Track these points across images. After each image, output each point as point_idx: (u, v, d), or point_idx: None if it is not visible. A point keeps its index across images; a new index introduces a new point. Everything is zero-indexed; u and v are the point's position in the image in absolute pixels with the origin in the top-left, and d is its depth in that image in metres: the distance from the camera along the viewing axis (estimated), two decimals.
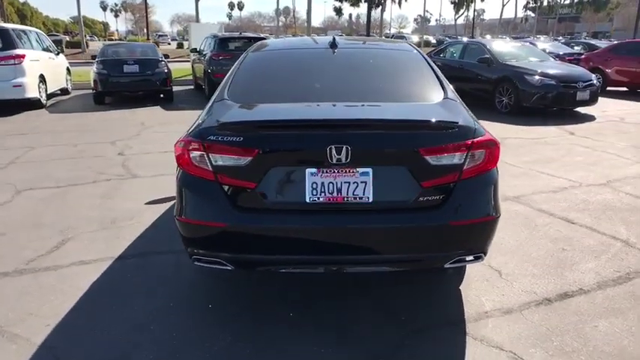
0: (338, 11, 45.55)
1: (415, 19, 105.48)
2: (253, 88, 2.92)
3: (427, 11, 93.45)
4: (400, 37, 41.61)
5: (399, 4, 43.13)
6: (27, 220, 4.09)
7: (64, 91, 12.51)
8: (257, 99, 2.77)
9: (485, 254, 2.50)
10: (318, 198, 2.32)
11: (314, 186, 2.32)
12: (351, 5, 43.77)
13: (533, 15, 63.43)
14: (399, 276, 3.06)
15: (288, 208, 2.36)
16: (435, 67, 3.17)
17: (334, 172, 2.31)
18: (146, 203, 4.50)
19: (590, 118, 9.18)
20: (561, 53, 15.23)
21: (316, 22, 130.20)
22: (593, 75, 9.70)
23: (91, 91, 11.39)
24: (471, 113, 2.64)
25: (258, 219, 2.35)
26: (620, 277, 3.06)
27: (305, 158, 2.32)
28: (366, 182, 2.31)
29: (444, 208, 2.35)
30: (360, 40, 4.36)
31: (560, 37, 39.55)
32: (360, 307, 2.75)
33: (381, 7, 44.07)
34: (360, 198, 2.32)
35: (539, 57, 10.71)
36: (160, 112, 10.22)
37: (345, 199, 2.32)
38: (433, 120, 2.37)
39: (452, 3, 46.99)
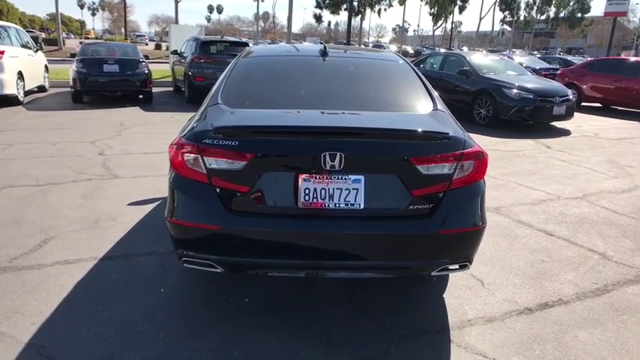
0: (318, 18, 45.83)
1: (393, 29, 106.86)
2: (246, 94, 2.94)
3: (405, 21, 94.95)
4: (378, 46, 42.11)
5: (379, 13, 43.70)
6: (6, 218, 3.99)
7: (41, 89, 12.25)
8: (250, 104, 2.79)
9: (470, 263, 2.57)
10: (310, 203, 2.35)
11: (306, 191, 2.35)
12: (331, 13, 44.16)
13: (509, 29, 65.12)
14: (383, 283, 3.10)
15: (280, 212, 2.38)
16: (423, 78, 3.24)
17: (327, 178, 2.34)
18: (129, 204, 4.45)
19: (565, 132, 9.47)
20: (538, 68, 15.68)
21: (295, 28, 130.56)
22: (570, 90, 10.02)
23: (69, 89, 11.17)
24: (459, 125, 2.71)
25: (250, 222, 2.36)
26: (599, 289, 3.17)
27: (299, 164, 2.35)
28: (357, 189, 2.35)
29: (433, 217, 2.40)
30: (349, 49, 4.42)
31: (536, 52, 40.67)
32: (346, 314, 2.77)
33: (360, 16, 44.58)
34: (352, 205, 2.35)
35: (517, 71, 11.00)
36: (140, 113, 10.09)
37: (337, 205, 2.35)
38: (425, 130, 2.43)
39: (430, 14, 47.90)
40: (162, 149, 6.72)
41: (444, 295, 3.00)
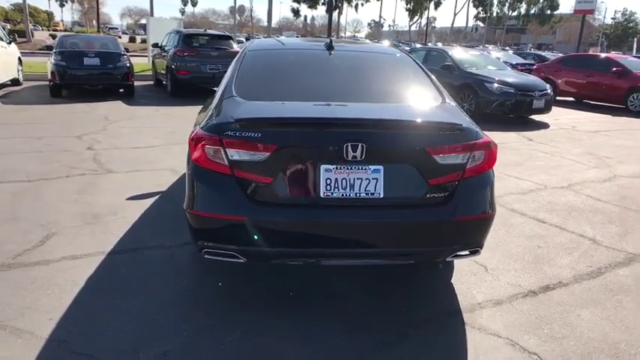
0: (296, 12, 45.59)
1: (369, 24, 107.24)
2: (260, 86, 2.96)
3: (381, 17, 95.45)
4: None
5: (356, 8, 43.77)
6: (1, 214, 3.91)
7: (15, 82, 11.86)
8: (265, 97, 2.82)
9: (481, 249, 2.68)
10: (332, 193, 2.41)
11: (328, 182, 2.41)
12: (309, 7, 43.97)
13: (482, 25, 66.23)
14: (393, 272, 3.19)
15: (302, 202, 2.43)
16: (428, 72, 3.34)
17: (348, 168, 2.41)
18: (127, 199, 4.42)
19: (544, 125, 9.77)
20: (514, 63, 16.06)
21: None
22: (548, 85, 10.33)
23: (46, 82, 10.88)
24: (468, 116, 2.82)
25: (273, 213, 2.41)
26: (593, 271, 3.34)
27: (321, 155, 2.40)
28: (377, 179, 2.43)
29: (448, 204, 2.50)
30: (353, 42, 4.47)
31: (507, 48, 41.50)
32: (362, 302, 2.85)
33: (338, 11, 44.60)
34: (372, 194, 2.43)
35: (497, 66, 11.27)
36: (123, 107, 9.92)
37: (358, 194, 2.42)
38: (441, 121, 2.52)
39: (407, 10, 48.32)
40: (153, 143, 6.67)
41: (452, 281, 3.11)
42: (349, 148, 2.35)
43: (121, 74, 10.91)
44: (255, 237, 2.44)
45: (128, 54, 11.70)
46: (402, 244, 2.53)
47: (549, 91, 9.95)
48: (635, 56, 15.31)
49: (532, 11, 56.38)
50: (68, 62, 10.28)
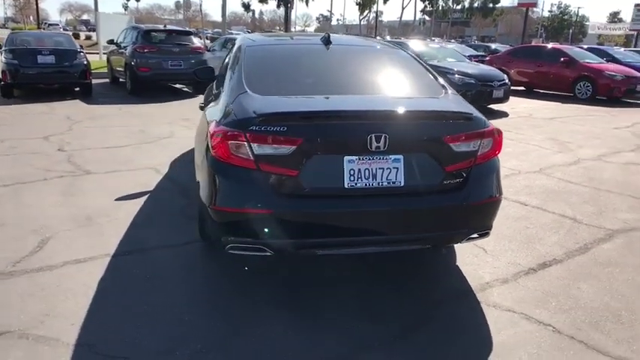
0: (246, 7, 45.04)
1: (317, 18, 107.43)
2: (270, 82, 2.97)
3: (329, 10, 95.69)
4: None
5: (307, 2, 43.80)
6: None
7: None
8: (279, 91, 2.84)
9: (490, 230, 2.84)
10: (356, 183, 2.48)
11: (351, 172, 2.47)
12: (260, 2, 43.55)
13: (428, 18, 67.94)
14: (400, 258, 3.31)
15: (327, 193, 2.49)
16: (426, 65, 3.46)
17: (370, 159, 2.48)
18: (116, 200, 4.30)
19: (503, 114, 10.24)
20: (467, 55, 16.62)
21: (218, 16, 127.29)
22: (505, 75, 10.82)
23: None
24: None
25: (300, 204, 2.45)
26: (581, 247, 3.60)
27: (345, 146, 2.47)
28: (397, 168, 2.52)
29: (463, 190, 2.63)
30: (347, 38, 4.49)
31: (452, 40, 42.83)
32: (378, 289, 2.95)
33: (289, 5, 44.44)
34: (393, 182, 2.52)
35: (456, 57, 11.67)
36: (84, 106, 9.52)
37: (380, 183, 2.50)
38: (455, 111, 2.65)
39: (357, 4, 48.87)
40: (124, 143, 6.47)
41: (457, 264, 3.26)
42: (373, 139, 2.42)
43: (78, 72, 10.45)
44: (283, 229, 2.47)
45: (85, 51, 11.21)
46: (422, 229, 2.64)
47: (507, 81, 10.42)
48: (579, 47, 16.23)
49: (475, 4, 58.49)
50: (20, 61, 9.74)
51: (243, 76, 2.97)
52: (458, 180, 2.63)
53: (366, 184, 2.49)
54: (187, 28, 14.48)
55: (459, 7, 59.39)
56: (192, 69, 11.30)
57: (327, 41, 3.48)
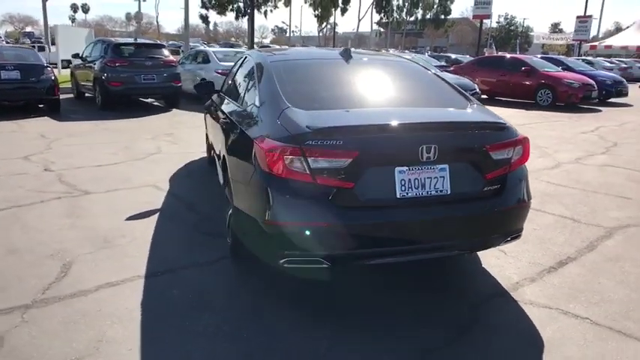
0: (204, 19, 44.50)
1: (272, 30, 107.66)
2: (308, 96, 3.02)
3: (283, 22, 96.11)
4: (265, 46, 42.17)
5: (265, 14, 43.76)
6: None
7: None
8: (320, 105, 2.90)
9: (522, 232, 3.00)
10: (407, 193, 2.58)
11: (402, 182, 2.57)
12: (218, 14, 43.20)
13: (382, 30, 69.58)
14: (429, 265, 3.42)
15: (381, 204, 2.57)
16: (443, 76, 3.62)
17: (419, 169, 2.59)
18: (127, 219, 4.20)
19: None
20: (434, 65, 17.24)
21: (171, 28, 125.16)
22: (475, 85, 11.31)
23: None
24: None
25: (356, 216, 2.51)
26: (588, 245, 3.84)
27: (397, 157, 2.56)
28: (444, 177, 2.64)
29: (502, 196, 2.78)
30: (363, 52, 4.57)
31: (406, 51, 44.11)
32: (419, 294, 3.05)
33: (248, 17, 44.35)
34: (441, 191, 2.63)
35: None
36: (55, 123, 9.17)
37: (429, 192, 2.61)
38: (493, 121, 2.81)
39: (315, 16, 49.49)
40: (113, 160, 6.30)
41: (483, 266, 3.41)
42: (424, 150, 2.53)
43: (46, 88, 10.08)
44: (340, 241, 2.53)
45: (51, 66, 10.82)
46: (467, 235, 2.76)
47: (478, 90, 10.90)
48: (542, 57, 17.16)
49: (428, 16, 60.51)
50: None
51: (280, 91, 3.01)
52: (496, 186, 2.78)
53: (416, 194, 2.59)
54: (158, 41, 14.21)
55: (412, 18, 61.23)
56: (165, 83, 11.36)
57: (348, 55, 3.59)
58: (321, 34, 59.23)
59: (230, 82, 4.47)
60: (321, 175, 2.47)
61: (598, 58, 25.29)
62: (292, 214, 2.52)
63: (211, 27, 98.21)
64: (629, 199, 5.10)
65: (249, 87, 3.57)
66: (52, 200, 4.67)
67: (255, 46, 45.85)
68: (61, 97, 12.53)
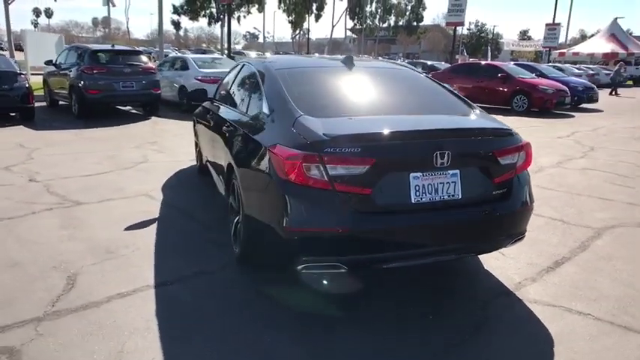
0: (176, 25, 44.22)
1: (244, 36, 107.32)
2: (318, 104, 3.08)
3: (255, 28, 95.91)
4: (238, 52, 41.94)
5: (238, 20, 43.86)
6: None
7: None
8: (332, 113, 2.95)
9: (525, 234, 3.12)
10: (421, 198, 2.66)
11: (417, 188, 2.65)
12: (190, 19, 43.01)
13: (354, 36, 70.36)
14: (433, 267, 3.51)
15: (397, 209, 2.65)
16: (442, 84, 3.74)
17: (432, 174, 2.68)
18: (126, 229, 4.15)
19: None
20: None
21: (140, 34, 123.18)
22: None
23: None
24: None
25: (374, 221, 2.58)
26: (579, 246, 4.01)
27: (412, 163, 2.65)
28: (455, 182, 2.74)
29: (509, 199, 2.90)
30: (361, 60, 4.65)
31: (380, 57, 44.78)
32: (428, 296, 3.13)
33: (220, 23, 44.20)
34: (453, 195, 2.73)
35: None
36: (32, 132, 8.94)
37: (442, 197, 2.70)
38: (500, 128, 2.92)
39: (289, 22, 49.70)
40: (101, 170, 6.21)
41: (485, 268, 3.53)
42: (438, 156, 2.63)
43: (20, 96, 9.81)
44: (359, 246, 2.59)
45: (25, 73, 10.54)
46: (479, 237, 2.87)
47: None
48: (516, 63, 17.69)
49: (400, 23, 61.64)
50: None
51: (289, 99, 3.05)
52: (503, 190, 2.90)
53: (429, 199, 2.68)
54: (135, 48, 14.02)
55: (385, 25, 62.20)
56: (144, 90, 11.22)
57: (350, 63, 3.67)
58: (295, 40, 59.42)
59: (228, 89, 4.48)
60: (339, 182, 2.53)
61: (567, 65, 26.21)
62: (311, 220, 2.57)
63: (181, 33, 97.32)
64: (611, 200, 5.34)
65: (253, 95, 3.60)
66: (44, 211, 4.57)
67: (218, 52, 45.65)
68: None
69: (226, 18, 25.00)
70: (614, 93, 21.65)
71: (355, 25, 59.41)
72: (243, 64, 4.37)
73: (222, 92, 4.76)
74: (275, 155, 2.68)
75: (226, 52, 22.63)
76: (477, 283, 3.36)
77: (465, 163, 2.77)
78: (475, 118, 3.19)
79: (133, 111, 12.29)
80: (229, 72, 4.98)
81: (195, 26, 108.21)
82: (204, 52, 46.41)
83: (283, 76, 3.42)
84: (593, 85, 16.38)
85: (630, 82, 29.72)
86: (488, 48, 52.83)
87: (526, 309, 2.96)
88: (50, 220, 4.35)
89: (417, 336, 2.66)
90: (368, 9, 57.40)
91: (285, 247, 2.67)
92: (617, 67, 22.08)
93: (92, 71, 10.49)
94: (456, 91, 3.65)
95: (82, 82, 10.38)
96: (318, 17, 49.82)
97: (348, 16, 54.23)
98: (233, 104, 4.08)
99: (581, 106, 15.61)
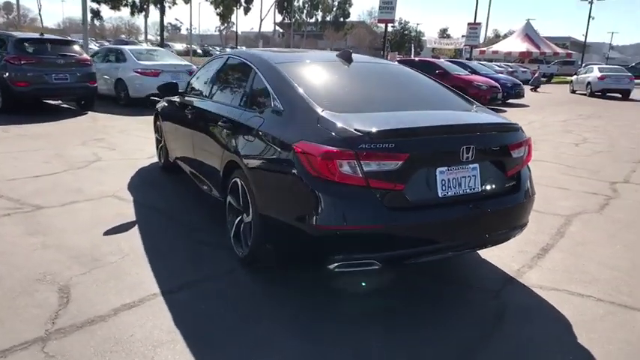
0: (96, 14, 41.15)
1: (165, 27, 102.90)
2: (333, 99, 3.00)
3: (177, 19, 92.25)
4: (160, 44, 40.07)
5: (163, 11, 41.83)
6: None
7: None
8: (351, 109, 2.89)
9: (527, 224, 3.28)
10: (447, 192, 2.70)
11: (443, 182, 2.69)
12: (112, 8, 40.55)
13: (281, 30, 70.09)
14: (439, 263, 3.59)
15: (426, 203, 2.67)
16: (438, 81, 3.83)
17: (455, 169, 2.73)
18: (105, 234, 3.83)
19: None
20: None
21: (51, 22, 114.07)
22: None
23: None
24: None
25: (407, 217, 2.58)
26: (557, 232, 4.29)
27: (440, 158, 2.68)
28: (475, 175, 2.81)
29: (519, 191, 3.02)
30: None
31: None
32: (442, 289, 3.20)
33: (144, 13, 42.04)
34: (473, 189, 2.80)
35: None
36: None
37: (464, 191, 2.76)
38: (511, 123, 3.03)
39: (218, 15, 48.19)
40: (52, 170, 5.69)
41: (484, 257, 3.66)
42: (464, 151, 2.68)
43: None
44: (393, 241, 2.58)
45: None
46: (497, 228, 2.96)
47: None
48: (450, 60, 18.48)
49: (327, 18, 62.20)
50: None
51: (305, 95, 2.95)
52: (513, 183, 3.02)
53: (454, 192, 2.72)
54: (69, 38, 12.89)
55: (312, 20, 62.48)
56: (79, 83, 10.43)
57: (348, 58, 3.64)
58: (223, 33, 57.94)
59: (211, 83, 4.25)
60: (373, 178, 2.50)
61: (491, 63, 27.91)
62: (345, 217, 2.51)
63: (97, 22, 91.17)
64: (568, 189, 5.77)
65: (253, 89, 3.44)
66: (2, 217, 4.09)
67: (147, 43, 43.38)
68: None
69: (159, 7, 23.74)
70: (534, 90, 23.56)
71: (284, 19, 59.10)
72: (228, 57, 4.16)
73: (201, 86, 4.51)
74: (303, 152, 2.58)
75: (149, 43, 21.56)
76: (480, 273, 3.47)
77: (483, 157, 2.85)
78: (487, 114, 3.28)
79: (65, 105, 11.36)
80: (206, 65, 4.74)
81: (114, 16, 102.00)
82: (126, 43, 43.92)
83: (288, 70, 3.31)
84: (520, 82, 17.58)
85: (544, 80, 32.35)
86: (412, 45, 55.01)
87: (534, 295, 3.12)
88: (12, 227, 3.90)
89: (446, 331, 2.70)
90: (296, 3, 57.34)
91: (315, 246, 2.60)
92: (536, 75, 24.51)
93: (19, 62, 9.54)
94: (453, 88, 3.73)
95: (8, 74, 9.41)
96: (247, 10, 48.89)
97: (277, 10, 53.82)
98: (225, 99, 3.88)
99: (508, 101, 16.70)
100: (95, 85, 10.70)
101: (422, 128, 2.68)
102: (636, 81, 21.94)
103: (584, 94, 21.92)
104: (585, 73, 22.85)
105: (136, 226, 4.03)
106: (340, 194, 2.51)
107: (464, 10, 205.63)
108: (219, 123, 3.59)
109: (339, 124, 2.62)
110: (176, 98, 5.01)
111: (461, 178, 2.75)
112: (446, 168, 2.69)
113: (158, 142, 5.90)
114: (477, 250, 3.50)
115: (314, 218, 2.53)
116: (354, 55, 3.80)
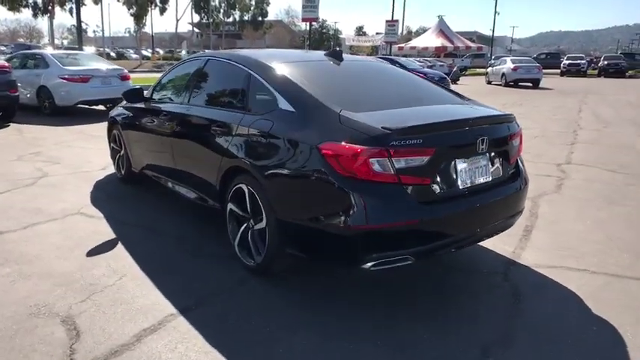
0: None
1: (69, 29, 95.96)
2: (343, 98, 2.95)
3: (83, 21, 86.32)
4: (70, 48, 37.39)
5: (71, 12, 38.93)
6: None
7: None
8: (365, 107, 2.86)
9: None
10: (466, 183, 2.80)
11: (461, 174, 2.78)
12: (9, 10, 37.21)
13: (197, 31, 68.21)
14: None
15: (450, 195, 2.73)
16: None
17: (472, 160, 2.83)
18: (88, 256, 3.52)
19: None
20: None
21: None
22: None
23: None
24: None
25: (435, 210, 2.63)
26: (531, 214, 4.58)
27: (460, 151, 2.76)
28: (486, 165, 2.93)
29: (519, 178, 3.20)
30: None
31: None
32: (443, 281, 3.31)
33: (49, 15, 38.93)
34: (485, 178, 2.92)
35: None
36: None
37: (479, 180, 2.87)
38: (508, 114, 3.18)
39: (132, 15, 45.54)
40: (5, 187, 5.09)
41: (480, 244, 3.83)
42: (479, 142, 2.78)
43: None
44: (426, 235, 2.62)
45: None
46: (505, 215, 3.09)
47: None
48: (380, 57, 19.00)
49: (246, 18, 61.36)
50: None
51: (315, 95, 2.90)
52: (514, 170, 3.19)
53: (470, 183, 2.82)
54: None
55: (230, 19, 61.33)
56: None
57: (339, 57, 3.64)
58: (137, 34, 55.12)
59: (190, 88, 4.02)
60: (404, 174, 2.52)
61: (411, 59, 29.11)
62: (380, 216, 2.51)
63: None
64: None
65: (251, 92, 3.31)
66: None
67: (52, 47, 40.30)
68: None
69: (74, 6, 22.05)
70: (454, 83, 25.10)
71: (202, 19, 57.46)
72: (208, 59, 3.97)
73: (177, 91, 4.26)
74: (331, 152, 2.54)
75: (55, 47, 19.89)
76: (481, 258, 3.62)
77: (492, 148, 2.97)
78: (484, 107, 3.41)
79: None
80: (176, 69, 4.49)
81: (11, 18, 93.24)
82: (28, 47, 40.31)
83: (288, 70, 3.23)
84: (446, 75, 18.53)
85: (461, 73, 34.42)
86: (331, 43, 55.92)
87: (537, 273, 3.32)
88: None
89: (479, 311, 2.80)
90: (213, 3, 55.95)
91: (350, 248, 2.57)
92: (454, 69, 26.64)
93: None
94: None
95: None
96: (162, 10, 46.86)
97: (193, 10, 52.18)
98: (215, 103, 3.70)
99: None
100: (17, 93, 9.76)
101: (445, 123, 2.75)
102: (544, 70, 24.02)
103: (500, 85, 23.61)
104: (499, 65, 24.58)
105: (120, 244, 3.74)
106: (373, 193, 2.50)
107: (378, 8, 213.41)
108: (213, 128, 3.42)
109: (365, 123, 2.60)
110: (140, 105, 4.70)
111: (475, 168, 2.85)
112: (464, 160, 2.78)
113: (115, 151, 5.51)
114: (488, 238, 3.63)
115: (347, 219, 2.50)
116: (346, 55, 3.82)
